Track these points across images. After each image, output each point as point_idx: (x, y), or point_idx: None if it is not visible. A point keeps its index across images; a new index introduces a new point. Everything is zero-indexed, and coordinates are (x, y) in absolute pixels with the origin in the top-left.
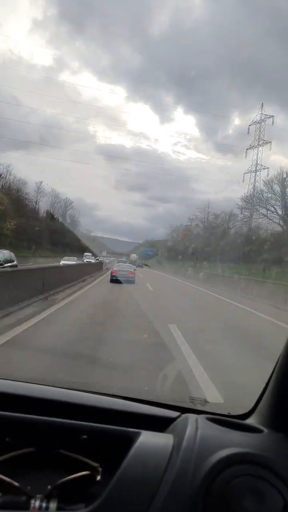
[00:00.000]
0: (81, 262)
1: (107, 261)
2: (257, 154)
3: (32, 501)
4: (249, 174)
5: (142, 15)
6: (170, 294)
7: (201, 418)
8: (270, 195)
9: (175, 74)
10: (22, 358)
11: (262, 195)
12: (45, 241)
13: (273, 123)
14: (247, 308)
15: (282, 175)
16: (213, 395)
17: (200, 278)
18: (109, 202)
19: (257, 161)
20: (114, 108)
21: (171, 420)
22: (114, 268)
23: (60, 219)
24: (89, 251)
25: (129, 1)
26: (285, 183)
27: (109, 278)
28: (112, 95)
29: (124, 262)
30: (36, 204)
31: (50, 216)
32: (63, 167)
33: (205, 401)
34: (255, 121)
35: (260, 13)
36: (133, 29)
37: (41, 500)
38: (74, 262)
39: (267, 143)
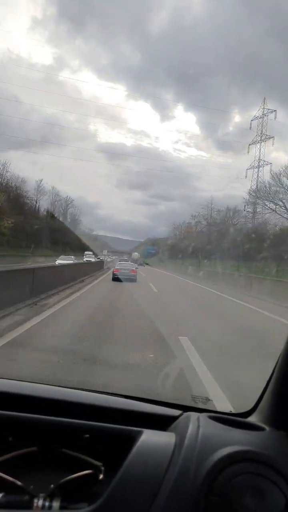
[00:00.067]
0: (80, 261)
1: (108, 260)
2: (260, 150)
3: (35, 500)
4: (252, 170)
5: (142, 13)
6: (176, 296)
7: (203, 416)
8: (277, 188)
9: (175, 72)
10: None
11: (269, 188)
12: (45, 240)
13: (275, 117)
14: (271, 315)
15: None
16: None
17: (204, 276)
18: (110, 201)
19: (259, 157)
20: (115, 106)
21: (173, 418)
22: (116, 267)
23: (61, 218)
24: (90, 250)
25: None
26: None
27: (110, 277)
28: (113, 93)
29: (126, 260)
30: (36, 202)
31: (50, 215)
32: (64, 166)
33: (207, 399)
34: (258, 116)
35: (260, 12)
36: (133, 27)
37: (44, 499)
38: (71, 262)
39: (269, 138)
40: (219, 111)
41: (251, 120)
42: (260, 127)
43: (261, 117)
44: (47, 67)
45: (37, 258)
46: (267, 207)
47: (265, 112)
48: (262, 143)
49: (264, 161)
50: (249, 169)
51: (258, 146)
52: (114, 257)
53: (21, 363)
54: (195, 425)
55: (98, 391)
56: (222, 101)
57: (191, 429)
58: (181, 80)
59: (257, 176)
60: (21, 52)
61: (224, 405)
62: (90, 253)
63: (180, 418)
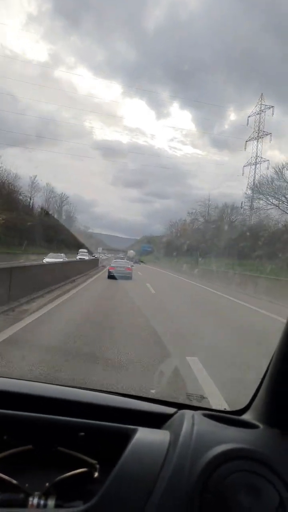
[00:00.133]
0: (73, 259)
1: (103, 257)
2: (257, 146)
3: (30, 499)
4: (249, 167)
5: (138, 9)
6: (176, 298)
7: (198, 414)
8: (280, 183)
9: (171, 69)
10: None
11: (272, 183)
12: (38, 237)
13: (273, 113)
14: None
15: None
16: None
17: (205, 275)
18: (106, 198)
19: (257, 153)
20: (110, 103)
21: (168, 416)
22: (112, 265)
23: (56, 215)
24: (85, 247)
25: None
26: None
27: (104, 276)
28: (108, 90)
29: (122, 258)
30: (30, 199)
31: (44, 212)
32: (59, 163)
33: (202, 397)
34: (255, 112)
35: (256, 8)
36: (129, 23)
37: (39, 498)
38: (61, 260)
39: (267, 134)
40: (215, 109)
41: (248, 116)
42: (257, 123)
43: (258, 113)
44: (43, 63)
45: (30, 256)
46: (269, 202)
47: (262, 108)
48: (260, 140)
49: (262, 157)
50: (246, 166)
51: (255, 143)
52: (109, 255)
53: None
54: (190, 423)
55: (93, 389)
56: (218, 98)
57: (185, 427)
58: (177, 77)
59: (254, 173)
60: (16, 48)
61: (218, 402)
62: (85, 250)
63: (175, 416)
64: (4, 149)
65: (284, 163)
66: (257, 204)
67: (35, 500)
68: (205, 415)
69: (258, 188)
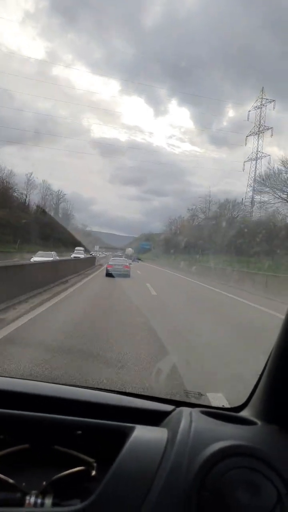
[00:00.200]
0: (66, 257)
1: (101, 255)
2: (258, 141)
3: (27, 498)
4: (250, 162)
5: (135, 5)
6: (181, 302)
7: (195, 411)
8: None
9: (169, 66)
10: None
11: (279, 176)
12: (34, 235)
13: (274, 107)
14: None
15: None
16: None
17: (207, 273)
18: (104, 196)
19: (257, 148)
20: (108, 101)
21: (166, 414)
22: (110, 263)
23: (52, 213)
24: (82, 245)
25: None
26: None
27: (100, 276)
28: (106, 88)
29: (120, 256)
30: (26, 196)
31: (41, 209)
32: (57, 161)
33: (200, 394)
34: (256, 106)
35: (254, 4)
36: (126, 20)
37: (36, 496)
38: (51, 258)
39: (268, 128)
40: (213, 106)
41: (249, 111)
42: (258, 118)
43: (259, 107)
44: (40, 61)
45: (24, 254)
46: (277, 196)
47: (263, 102)
48: (260, 135)
49: (262, 153)
50: (247, 161)
51: (256, 137)
52: (107, 253)
53: None
54: (188, 420)
55: (91, 387)
56: (216, 95)
57: (183, 424)
58: (175, 74)
59: (255, 168)
60: (13, 45)
61: (216, 399)
62: (81, 249)
63: (173, 413)
64: (1, 147)
65: None
66: (262, 198)
67: (32, 499)
68: (203, 412)
69: (264, 181)
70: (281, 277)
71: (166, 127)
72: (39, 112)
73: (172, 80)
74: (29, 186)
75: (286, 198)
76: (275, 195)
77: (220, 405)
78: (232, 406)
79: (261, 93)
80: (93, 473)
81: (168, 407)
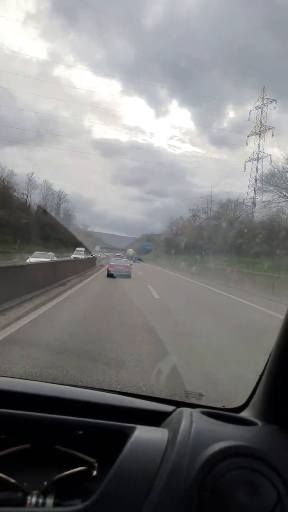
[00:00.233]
0: (66, 258)
1: (102, 256)
2: (259, 141)
3: (29, 498)
4: (251, 162)
5: (136, 6)
6: (182, 302)
7: (196, 412)
8: None
9: (170, 66)
10: None
11: (284, 174)
12: (34, 236)
13: (275, 107)
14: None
15: None
16: None
17: (207, 274)
18: (106, 197)
19: (259, 148)
20: (110, 102)
21: (166, 414)
22: (111, 263)
23: (53, 213)
24: (83, 246)
25: None
26: None
27: (100, 278)
28: (107, 88)
29: (121, 257)
30: (27, 196)
31: (41, 209)
32: (58, 162)
33: (200, 395)
34: (257, 106)
35: (254, 4)
36: (127, 20)
37: (38, 496)
38: (49, 259)
39: (269, 128)
40: (213, 106)
41: (250, 111)
42: (259, 117)
43: (260, 107)
44: (41, 62)
45: (24, 255)
46: (282, 195)
47: (264, 102)
48: (262, 134)
49: (264, 152)
50: (248, 161)
51: (258, 137)
52: (108, 253)
53: None
54: (188, 420)
55: (92, 387)
56: (216, 96)
57: (184, 424)
58: (175, 75)
59: (257, 168)
60: (14, 46)
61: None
62: (82, 249)
63: (173, 413)
64: (2, 147)
65: None
66: (266, 197)
67: (34, 499)
68: (203, 412)
69: (269, 180)
70: (281, 277)
71: (167, 128)
72: (40, 112)
73: (173, 81)
74: (30, 186)
75: None
76: (280, 194)
77: (220, 406)
78: (233, 406)
79: (263, 92)
80: (94, 473)
81: (168, 408)
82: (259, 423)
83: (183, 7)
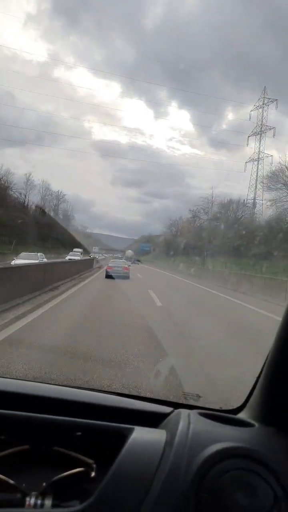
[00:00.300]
0: (59, 259)
1: (100, 257)
2: (260, 141)
3: (27, 498)
4: (251, 163)
5: (136, 8)
6: (183, 305)
7: (194, 413)
8: None
9: (169, 68)
10: None
11: None
12: (32, 236)
13: (276, 107)
14: None
15: None
16: None
17: (214, 277)
18: (105, 199)
19: (259, 148)
20: (109, 103)
21: (164, 415)
22: (109, 264)
23: (52, 213)
24: (82, 246)
25: None
26: None
27: (97, 280)
28: (107, 90)
29: (120, 258)
30: (25, 196)
31: (39, 209)
32: (58, 163)
33: (198, 396)
34: (258, 106)
35: (254, 5)
36: (127, 22)
37: (36, 497)
38: (37, 261)
39: (270, 128)
40: (213, 108)
41: (251, 111)
42: (260, 117)
43: (261, 107)
44: (42, 64)
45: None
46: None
47: (265, 102)
48: (262, 135)
49: (264, 153)
50: (249, 162)
51: (258, 137)
52: (107, 254)
53: None
54: (186, 422)
55: (90, 389)
56: (216, 98)
57: (181, 426)
58: (175, 77)
59: (257, 169)
60: (14, 47)
61: (214, 401)
62: (79, 250)
63: (171, 415)
64: (2, 148)
65: None
66: (273, 196)
67: (32, 500)
68: (201, 414)
69: (277, 177)
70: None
71: (167, 130)
72: (40, 113)
73: (173, 82)
74: (28, 186)
75: None
76: (287, 192)
77: (218, 407)
78: (230, 408)
79: (263, 92)
80: (93, 474)
81: (166, 409)
82: (257, 424)
83: (183, 8)
